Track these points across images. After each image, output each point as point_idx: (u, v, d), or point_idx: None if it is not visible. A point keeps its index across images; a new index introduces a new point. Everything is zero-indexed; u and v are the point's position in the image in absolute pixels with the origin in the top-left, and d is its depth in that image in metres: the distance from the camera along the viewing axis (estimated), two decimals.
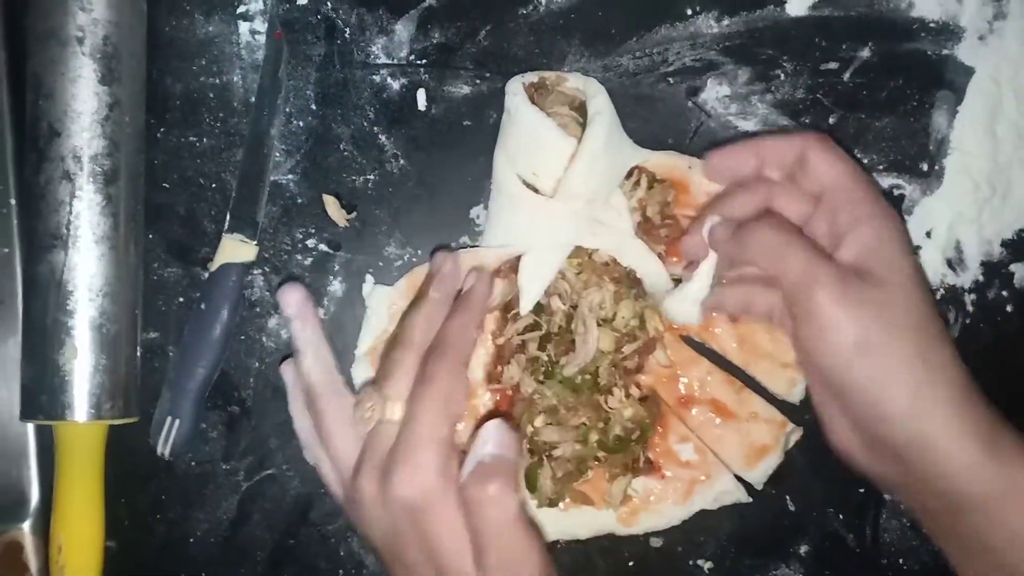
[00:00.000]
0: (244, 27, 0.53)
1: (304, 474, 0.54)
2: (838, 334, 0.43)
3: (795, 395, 0.53)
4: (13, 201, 0.53)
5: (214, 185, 0.54)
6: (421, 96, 0.54)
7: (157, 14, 0.53)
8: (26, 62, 0.49)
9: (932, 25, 0.54)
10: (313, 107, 0.54)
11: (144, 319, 0.52)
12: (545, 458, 0.50)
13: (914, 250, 0.44)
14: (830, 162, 0.46)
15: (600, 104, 0.50)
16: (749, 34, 0.54)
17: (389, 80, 0.54)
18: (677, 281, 0.52)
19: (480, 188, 0.54)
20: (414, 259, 0.54)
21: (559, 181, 0.49)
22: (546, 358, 0.50)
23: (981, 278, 0.55)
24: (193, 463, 0.54)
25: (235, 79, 0.54)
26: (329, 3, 0.53)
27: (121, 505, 0.53)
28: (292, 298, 0.49)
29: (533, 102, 0.51)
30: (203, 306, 0.52)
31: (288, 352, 0.53)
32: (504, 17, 0.54)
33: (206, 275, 0.53)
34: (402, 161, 0.54)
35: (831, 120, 0.54)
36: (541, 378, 0.50)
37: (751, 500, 0.53)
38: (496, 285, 0.50)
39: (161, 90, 0.53)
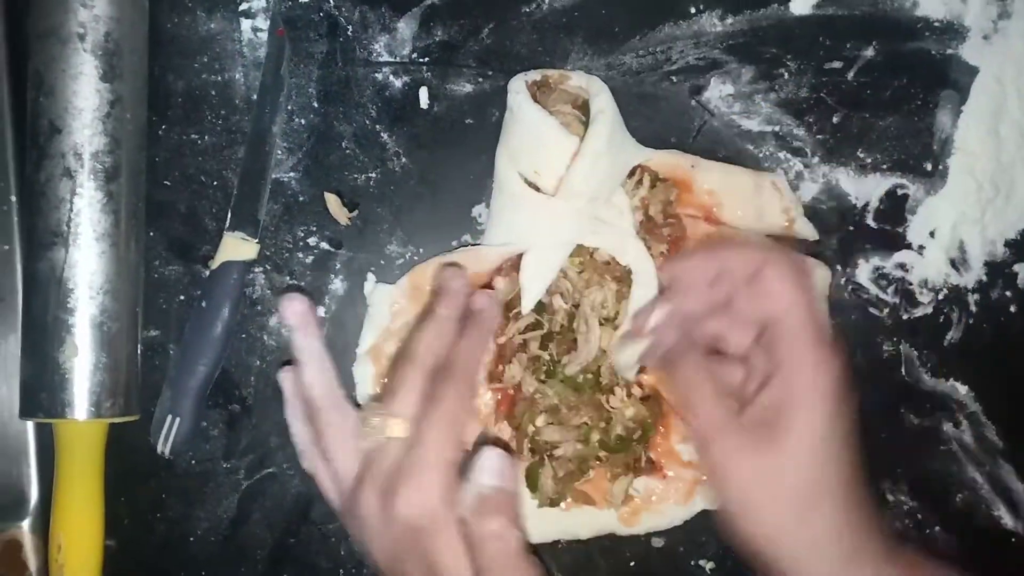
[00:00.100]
0: (246, 24, 0.53)
1: (304, 473, 0.53)
2: (723, 488, 0.42)
3: None
4: (14, 198, 0.53)
5: (215, 183, 0.53)
6: (423, 94, 0.54)
7: (159, 11, 0.52)
8: (27, 59, 0.49)
9: (936, 24, 0.54)
10: (315, 105, 0.53)
11: (145, 317, 0.52)
12: (546, 458, 0.50)
13: (841, 400, 0.41)
14: (781, 290, 0.43)
15: (603, 103, 0.50)
16: (753, 33, 0.54)
17: (391, 78, 0.54)
18: None
19: (482, 186, 0.53)
20: (416, 257, 0.54)
21: (561, 180, 0.49)
22: (548, 357, 0.50)
23: (984, 278, 0.55)
24: (193, 462, 0.54)
25: (237, 76, 0.53)
26: (331, 0, 0.53)
27: (121, 504, 0.53)
28: (294, 308, 0.48)
29: (536, 100, 0.51)
30: (204, 304, 0.52)
31: (288, 354, 0.53)
32: (507, 15, 0.54)
33: (207, 273, 0.52)
34: (404, 159, 0.54)
35: (835, 119, 0.54)
36: (543, 377, 0.50)
37: None
38: (498, 283, 0.50)
39: (163, 87, 0.53)
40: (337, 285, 0.54)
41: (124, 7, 0.49)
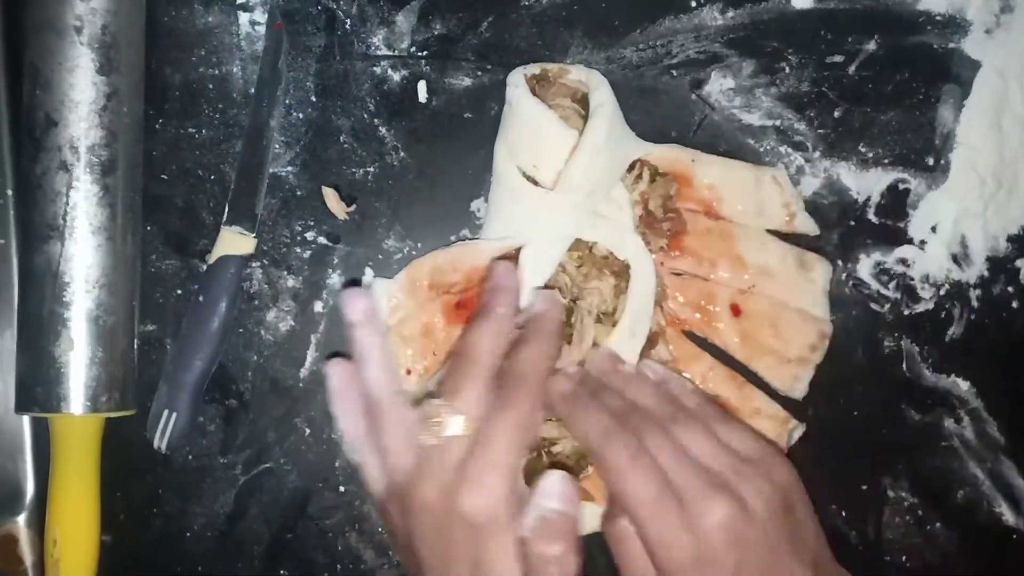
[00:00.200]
0: (244, 18, 0.53)
1: (302, 468, 0.54)
2: None
3: (798, 391, 0.53)
4: (10, 192, 0.53)
5: (213, 177, 0.53)
6: (422, 88, 0.53)
7: (156, 4, 0.52)
8: (23, 52, 0.49)
9: (938, 18, 0.54)
10: (313, 99, 0.53)
11: (141, 311, 0.52)
12: (544, 454, 0.50)
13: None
14: None
15: (602, 96, 0.50)
16: (754, 26, 0.54)
17: (390, 72, 0.53)
18: (677, 275, 0.52)
19: (481, 181, 0.53)
20: (414, 252, 0.53)
21: (560, 174, 0.49)
22: None
23: (986, 273, 0.55)
24: (190, 457, 0.54)
25: (234, 70, 0.53)
26: None
27: (117, 499, 0.52)
28: (359, 305, 0.48)
29: (535, 94, 0.50)
30: (201, 299, 0.51)
31: (283, 350, 0.53)
32: (506, 8, 0.53)
33: (204, 267, 0.52)
34: (402, 153, 0.53)
35: (836, 114, 0.54)
36: None
37: None
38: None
39: (160, 80, 0.53)
40: (335, 280, 0.53)
41: (121, 0, 0.49)
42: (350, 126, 0.53)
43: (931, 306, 0.55)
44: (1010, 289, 0.55)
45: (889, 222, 0.55)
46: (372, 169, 0.53)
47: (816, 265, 0.53)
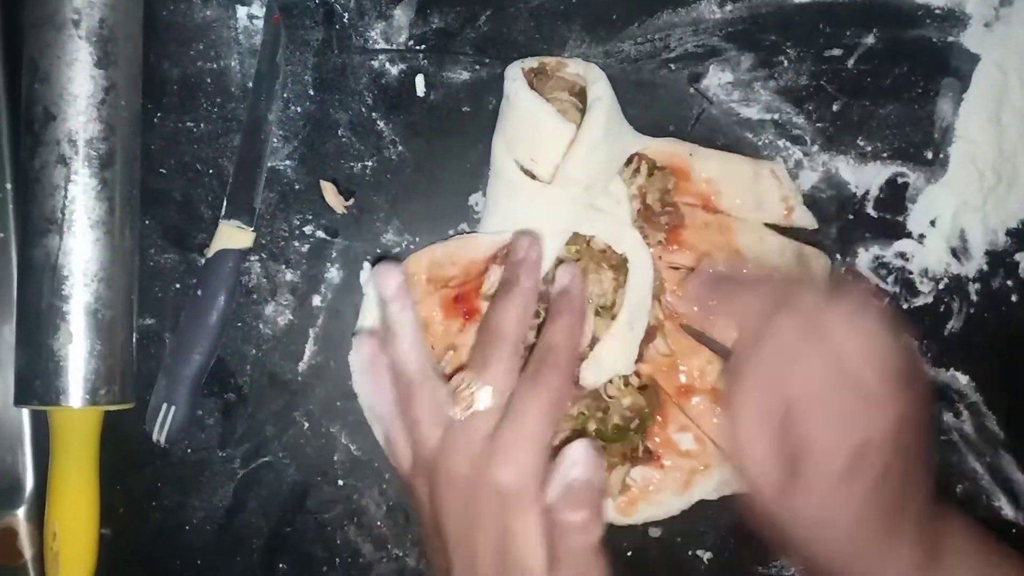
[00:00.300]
0: (242, 11, 0.53)
1: (300, 462, 0.54)
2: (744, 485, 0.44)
3: None
4: (8, 185, 0.53)
5: (211, 171, 0.53)
6: (420, 82, 0.53)
7: None
8: (22, 45, 0.49)
9: (937, 12, 0.54)
10: (311, 92, 0.53)
11: (140, 305, 0.52)
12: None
13: (866, 450, 0.41)
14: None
15: (600, 90, 0.50)
16: (752, 20, 0.54)
17: (388, 66, 0.53)
18: (675, 269, 0.52)
19: (479, 175, 0.53)
20: (412, 246, 0.53)
21: (557, 167, 0.49)
22: None
23: (986, 267, 0.55)
24: (189, 450, 0.54)
25: (233, 64, 0.53)
26: None
27: (116, 492, 0.52)
28: (392, 281, 0.48)
29: (533, 88, 0.50)
30: (199, 292, 0.51)
31: (283, 342, 0.53)
32: (504, 2, 0.53)
33: (202, 261, 0.52)
34: (400, 147, 0.53)
35: (835, 107, 0.54)
36: None
37: None
38: (492, 272, 0.50)
39: (158, 74, 0.53)
40: (333, 274, 0.54)
41: None
42: (348, 120, 0.53)
43: (930, 300, 0.55)
44: (1009, 283, 0.55)
45: (888, 216, 0.54)
46: (370, 163, 0.53)
47: (815, 259, 0.53)
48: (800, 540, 0.43)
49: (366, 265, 0.53)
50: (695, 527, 0.54)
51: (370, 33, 0.53)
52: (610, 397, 0.50)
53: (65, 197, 0.48)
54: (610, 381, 0.50)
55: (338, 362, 0.53)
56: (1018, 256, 0.55)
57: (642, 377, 0.52)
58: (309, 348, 0.53)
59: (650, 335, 0.51)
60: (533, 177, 0.50)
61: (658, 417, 0.52)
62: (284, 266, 0.53)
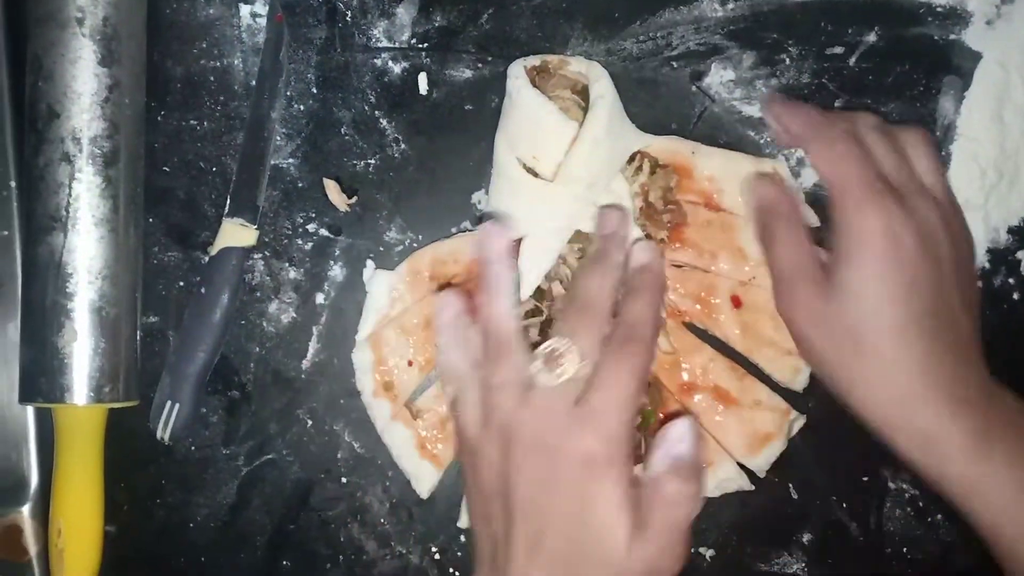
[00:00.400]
0: (245, 10, 0.53)
1: (304, 459, 0.54)
2: (792, 333, 0.47)
3: (799, 383, 0.53)
4: (13, 183, 0.53)
5: (214, 169, 0.53)
6: (423, 80, 0.53)
7: None
8: (26, 43, 0.49)
9: (939, 9, 0.54)
10: (314, 91, 0.53)
11: (144, 303, 0.52)
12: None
13: (902, 243, 0.44)
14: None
15: (603, 88, 0.50)
16: (754, 18, 0.54)
17: (390, 64, 0.53)
18: (678, 267, 0.52)
19: (482, 173, 0.53)
20: (415, 244, 0.53)
21: (560, 165, 0.49)
22: None
23: (987, 265, 0.55)
24: (193, 448, 0.54)
25: (236, 62, 0.53)
26: None
27: (121, 489, 0.53)
28: (499, 242, 0.47)
29: (535, 86, 0.50)
30: (203, 290, 0.52)
31: (287, 338, 0.53)
32: (506, 0, 0.53)
33: (206, 259, 0.52)
34: (403, 145, 0.54)
35: (837, 105, 0.54)
36: None
37: (753, 488, 0.52)
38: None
39: (161, 73, 0.53)
40: (336, 272, 0.54)
41: None
42: (351, 118, 0.53)
43: None
44: (1011, 281, 0.55)
45: None
46: (373, 161, 0.54)
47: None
48: (856, 401, 0.45)
49: (369, 263, 0.53)
50: (697, 524, 0.53)
51: (373, 31, 0.53)
52: None
53: (69, 195, 0.48)
54: None
55: (341, 360, 0.53)
56: (1020, 254, 0.55)
57: None
58: (312, 346, 0.54)
59: None
60: (535, 175, 0.50)
61: (660, 415, 0.52)
62: (287, 264, 0.53)
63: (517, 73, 0.50)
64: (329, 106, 0.53)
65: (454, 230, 0.53)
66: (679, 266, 0.52)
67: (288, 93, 0.53)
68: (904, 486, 0.55)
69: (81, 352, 0.48)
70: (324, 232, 0.54)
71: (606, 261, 0.47)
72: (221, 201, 0.53)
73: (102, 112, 0.49)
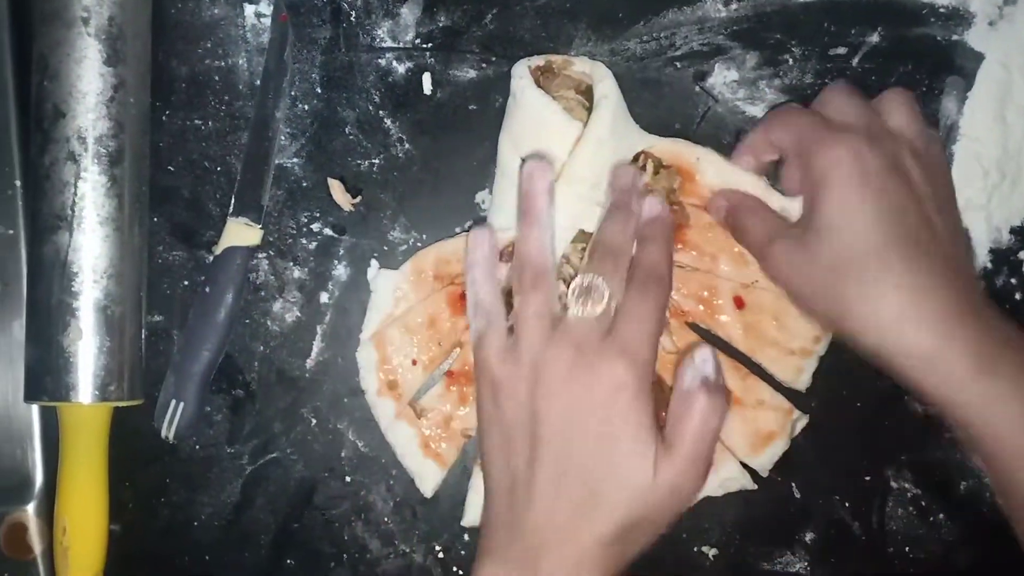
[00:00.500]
0: (249, 10, 0.53)
1: (308, 458, 0.54)
2: (786, 292, 0.49)
3: (801, 382, 0.53)
4: (18, 182, 0.53)
5: (219, 168, 0.53)
6: (427, 80, 0.54)
7: None
8: (32, 43, 0.49)
9: (942, 10, 0.54)
10: (318, 90, 0.54)
11: (149, 302, 0.52)
12: None
13: (871, 168, 0.45)
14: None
15: (606, 88, 0.50)
16: (757, 18, 0.54)
17: (395, 64, 0.54)
18: (680, 267, 0.52)
19: (486, 173, 0.53)
20: (419, 243, 0.54)
21: (564, 165, 0.49)
22: None
23: (989, 265, 0.55)
24: (197, 446, 0.54)
25: (240, 62, 0.53)
26: None
27: (125, 488, 0.53)
28: (544, 181, 0.48)
29: (539, 86, 0.50)
30: (208, 289, 0.52)
31: (290, 339, 0.54)
32: (510, 0, 0.53)
33: (211, 258, 0.53)
34: (407, 145, 0.54)
35: None
36: None
37: (756, 487, 0.52)
38: (500, 269, 0.50)
39: (166, 72, 0.53)
40: (340, 271, 0.54)
41: None
42: (355, 118, 0.54)
43: None
44: (1013, 281, 0.55)
45: None
46: (377, 161, 0.54)
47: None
48: (852, 331, 0.46)
49: (373, 262, 0.54)
50: (700, 523, 0.55)
51: (377, 31, 0.54)
52: None
53: (74, 194, 0.48)
54: None
55: (345, 359, 0.53)
56: (1022, 254, 0.55)
57: None
58: (316, 345, 0.54)
59: None
60: None
61: (662, 413, 0.52)
62: (292, 263, 0.54)
63: (521, 73, 0.50)
64: (333, 106, 0.54)
65: (458, 230, 0.54)
66: (681, 267, 0.52)
67: (292, 93, 0.53)
68: (906, 485, 0.55)
69: (86, 351, 0.48)
70: (328, 231, 0.54)
71: (625, 209, 0.48)
72: (225, 200, 0.53)
73: (107, 111, 0.49)
